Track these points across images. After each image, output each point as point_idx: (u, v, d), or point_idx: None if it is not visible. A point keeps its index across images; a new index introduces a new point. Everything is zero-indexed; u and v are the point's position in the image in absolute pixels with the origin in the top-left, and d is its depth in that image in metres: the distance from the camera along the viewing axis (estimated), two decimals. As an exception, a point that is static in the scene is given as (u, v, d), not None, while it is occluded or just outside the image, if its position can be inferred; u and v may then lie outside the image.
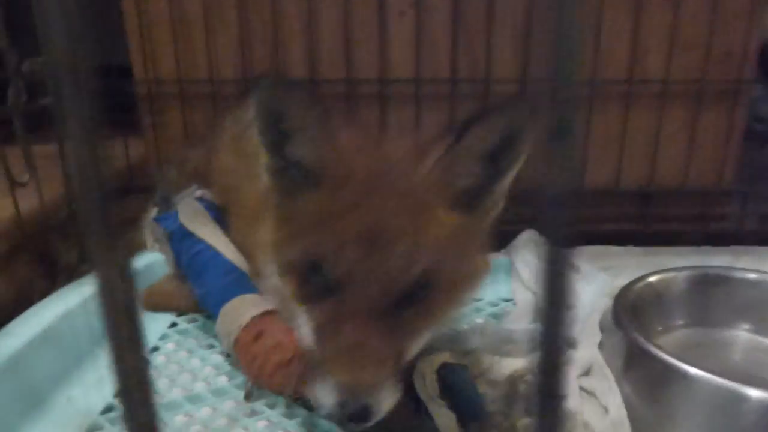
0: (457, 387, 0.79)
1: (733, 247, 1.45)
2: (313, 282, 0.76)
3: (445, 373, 0.80)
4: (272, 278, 0.88)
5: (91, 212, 0.28)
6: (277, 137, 0.80)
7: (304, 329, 0.80)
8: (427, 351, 0.83)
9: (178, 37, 1.59)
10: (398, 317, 0.75)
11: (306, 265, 0.77)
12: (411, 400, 0.81)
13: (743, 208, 1.67)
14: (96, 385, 0.98)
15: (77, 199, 0.28)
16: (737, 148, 1.66)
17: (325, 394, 0.71)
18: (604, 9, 1.54)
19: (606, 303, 1.12)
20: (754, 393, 0.83)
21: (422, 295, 0.75)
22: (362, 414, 0.71)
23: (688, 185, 1.67)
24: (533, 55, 1.57)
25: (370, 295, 0.73)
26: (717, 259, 1.36)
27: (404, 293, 0.74)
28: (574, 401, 0.88)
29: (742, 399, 0.84)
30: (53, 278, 1.23)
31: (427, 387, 0.79)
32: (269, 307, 1.03)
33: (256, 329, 0.99)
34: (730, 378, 0.85)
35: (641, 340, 0.92)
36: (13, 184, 1.33)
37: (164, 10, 1.57)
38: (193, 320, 1.22)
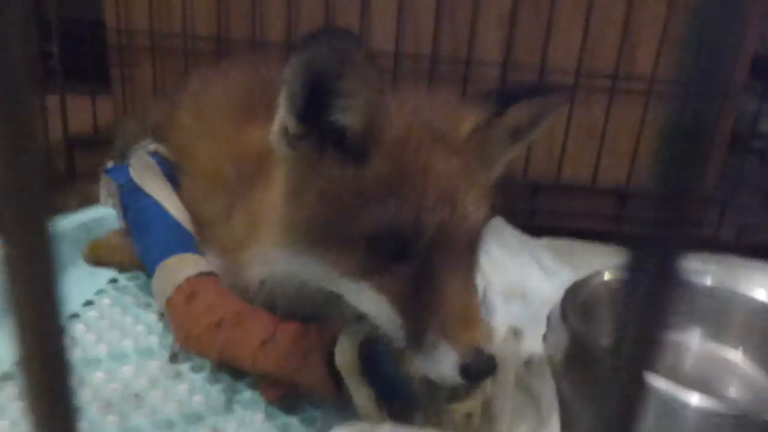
0: (378, 364, 0.75)
1: (703, 255, 1.40)
2: (384, 252, 0.72)
3: (367, 349, 0.75)
4: (280, 260, 0.82)
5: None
6: (311, 102, 0.73)
7: (372, 303, 0.75)
8: (353, 323, 0.79)
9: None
10: (472, 271, 0.76)
11: (378, 236, 0.72)
12: (332, 373, 0.77)
13: (721, 216, 1.63)
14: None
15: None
16: (721, 154, 1.62)
17: (445, 359, 0.69)
18: (595, -2, 1.49)
19: (560, 296, 1.07)
20: (694, 400, 0.80)
21: (478, 248, 0.79)
22: (490, 367, 0.70)
23: (668, 188, 1.62)
24: (518, 40, 1.52)
25: (460, 253, 0.73)
26: (685, 264, 1.32)
27: (476, 248, 0.77)
28: (505, 390, 0.84)
29: (683, 405, 0.80)
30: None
31: (347, 361, 0.75)
32: (206, 268, 0.99)
33: (190, 289, 0.95)
34: (674, 383, 0.81)
35: (583, 337, 0.88)
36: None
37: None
38: (135, 278, 1.18)
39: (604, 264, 1.26)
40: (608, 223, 1.64)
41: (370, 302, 0.75)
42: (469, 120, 0.81)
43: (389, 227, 0.72)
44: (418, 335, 0.71)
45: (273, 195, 0.84)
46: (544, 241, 1.38)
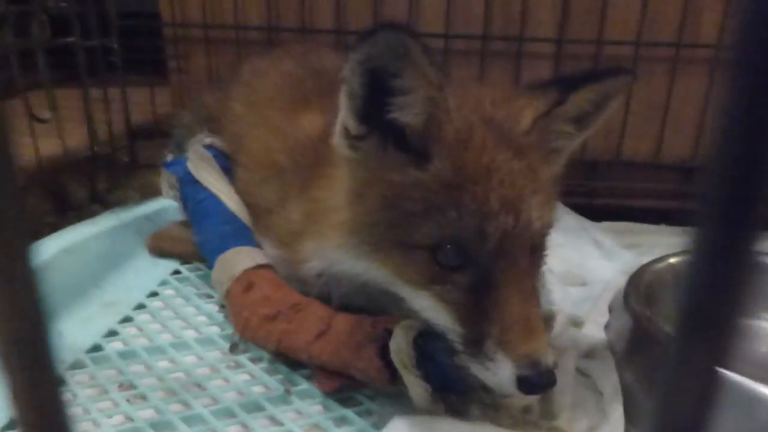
0: (433, 357, 0.74)
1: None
2: (446, 260, 0.72)
3: (422, 342, 0.75)
4: (342, 261, 0.83)
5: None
6: (371, 101, 0.72)
7: (431, 310, 0.75)
8: (406, 316, 0.78)
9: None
10: (534, 279, 0.75)
11: (440, 246, 0.72)
12: (387, 366, 0.77)
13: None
14: (84, 323, 0.99)
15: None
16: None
17: (502, 370, 0.68)
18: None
19: (622, 282, 1.04)
20: (769, 393, 0.75)
21: (541, 253, 0.78)
22: (548, 381, 0.69)
23: (736, 163, 1.53)
24: (573, 13, 1.46)
25: (522, 262, 0.71)
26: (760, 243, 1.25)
27: (538, 254, 0.76)
28: (565, 381, 0.82)
29: (757, 399, 0.76)
30: (63, 214, 1.25)
31: (402, 355, 0.74)
32: (263, 260, 1.00)
33: (246, 281, 0.97)
34: (750, 373, 0.77)
35: (648, 324, 0.85)
36: (33, 120, 1.34)
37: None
38: (196, 269, 1.21)
39: (669, 246, 1.21)
40: (672, 200, 1.57)
41: (430, 309, 0.75)
42: (528, 112, 0.78)
43: (451, 237, 0.71)
44: (477, 343, 0.71)
45: (335, 195, 0.84)
46: (604, 224, 1.33)
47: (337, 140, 0.79)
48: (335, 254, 0.84)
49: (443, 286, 0.73)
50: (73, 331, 0.97)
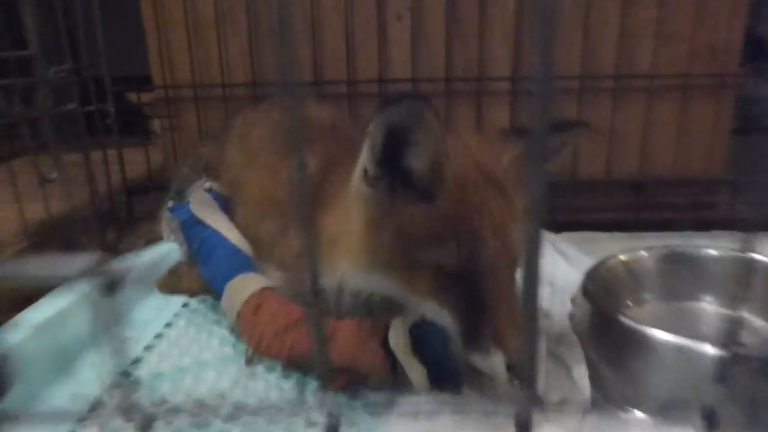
0: (428, 344, 0.88)
1: (713, 232, 1.51)
2: (447, 276, 0.88)
3: (417, 331, 0.89)
4: (357, 277, 0.97)
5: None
6: (391, 151, 0.88)
7: (440, 315, 0.90)
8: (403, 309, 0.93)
9: (193, 45, 1.72)
10: (515, 287, 0.90)
11: (443, 266, 0.88)
12: (388, 355, 0.90)
13: (733, 196, 1.73)
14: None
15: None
16: (725, 139, 1.72)
17: (496, 360, 0.84)
18: (591, 5, 1.62)
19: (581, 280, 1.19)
20: (710, 350, 0.89)
21: (517, 267, 0.93)
22: None
23: (679, 175, 1.73)
24: (524, 54, 1.66)
25: (507, 275, 0.88)
26: (697, 242, 1.42)
27: (516, 267, 0.91)
28: (541, 364, 0.96)
29: (699, 356, 0.88)
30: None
31: (401, 343, 0.88)
32: (267, 284, 1.14)
33: (255, 302, 1.10)
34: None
35: (606, 308, 1.00)
36: (43, 181, 1.47)
37: (180, 20, 1.70)
38: (203, 301, 1.34)
39: (622, 249, 1.38)
40: (623, 212, 1.75)
41: (434, 313, 0.91)
42: (506, 155, 0.96)
43: (452, 260, 0.87)
44: (473, 339, 0.87)
45: (349, 222, 0.98)
46: (564, 235, 1.50)
47: (357, 180, 0.94)
48: (349, 272, 0.99)
49: (445, 295, 0.89)
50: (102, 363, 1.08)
